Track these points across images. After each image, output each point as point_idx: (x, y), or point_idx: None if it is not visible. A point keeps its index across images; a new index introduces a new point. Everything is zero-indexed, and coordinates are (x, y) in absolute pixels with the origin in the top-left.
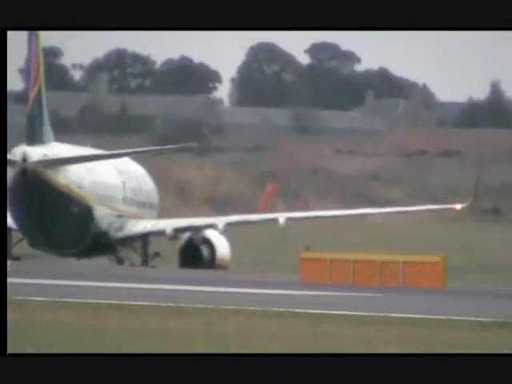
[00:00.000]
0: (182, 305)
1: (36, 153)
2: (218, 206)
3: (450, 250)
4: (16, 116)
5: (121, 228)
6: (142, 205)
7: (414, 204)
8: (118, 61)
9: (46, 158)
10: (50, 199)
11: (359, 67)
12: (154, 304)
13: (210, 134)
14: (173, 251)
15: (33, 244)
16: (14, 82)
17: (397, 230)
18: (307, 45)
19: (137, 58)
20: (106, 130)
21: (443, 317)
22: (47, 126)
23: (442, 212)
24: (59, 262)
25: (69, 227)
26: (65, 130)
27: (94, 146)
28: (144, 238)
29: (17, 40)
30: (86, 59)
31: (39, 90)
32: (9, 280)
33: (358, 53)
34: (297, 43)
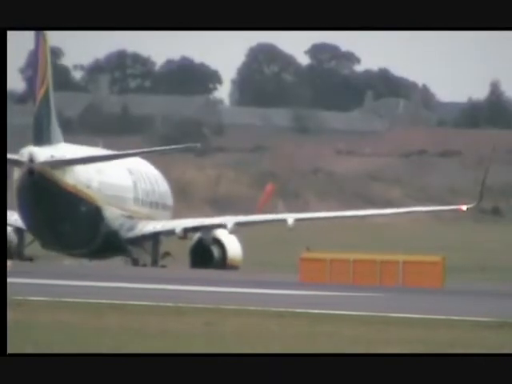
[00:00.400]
0: (182, 305)
1: (43, 153)
2: (219, 206)
3: (449, 250)
4: (16, 116)
5: (131, 228)
6: (155, 205)
7: (413, 204)
8: (119, 62)
9: (53, 159)
10: (58, 199)
11: (359, 68)
12: (154, 304)
13: (211, 134)
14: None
15: (43, 244)
16: (14, 82)
17: (397, 230)
18: (307, 45)
19: (137, 59)
20: (106, 130)
21: (443, 317)
22: (55, 127)
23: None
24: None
25: (77, 227)
26: (66, 131)
27: (97, 146)
28: (154, 238)
29: (17, 40)
30: (87, 60)
31: (47, 91)
32: (9, 280)
33: (358, 53)
34: (297, 44)
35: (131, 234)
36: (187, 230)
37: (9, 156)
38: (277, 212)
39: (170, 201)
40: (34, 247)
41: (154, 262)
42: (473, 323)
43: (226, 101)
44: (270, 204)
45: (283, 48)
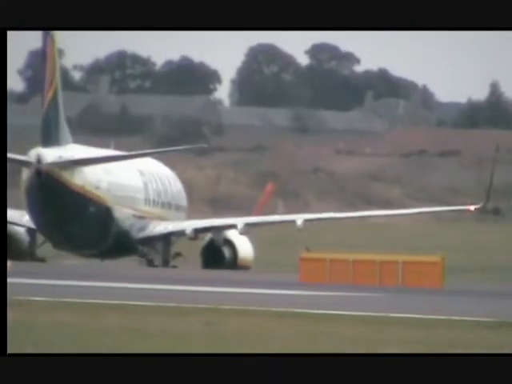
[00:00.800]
0: (182, 305)
1: (51, 154)
2: (218, 205)
3: (450, 250)
4: (16, 116)
5: (142, 229)
6: (168, 206)
7: (413, 203)
8: (119, 62)
9: (61, 160)
10: (66, 200)
11: (359, 68)
12: (154, 304)
13: (210, 134)
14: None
15: (54, 245)
16: (14, 82)
17: (397, 230)
18: (307, 45)
19: (137, 59)
20: (106, 130)
21: (443, 317)
22: (64, 128)
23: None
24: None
25: (87, 228)
26: None
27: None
28: (165, 238)
29: (17, 40)
30: (87, 60)
31: (55, 93)
32: (9, 280)
33: (358, 53)
34: (296, 44)
35: (142, 235)
36: (198, 231)
37: (17, 157)
38: (277, 212)
39: (183, 202)
40: (45, 247)
41: (165, 263)
42: (473, 323)
43: (226, 101)
44: (269, 204)
45: (283, 48)
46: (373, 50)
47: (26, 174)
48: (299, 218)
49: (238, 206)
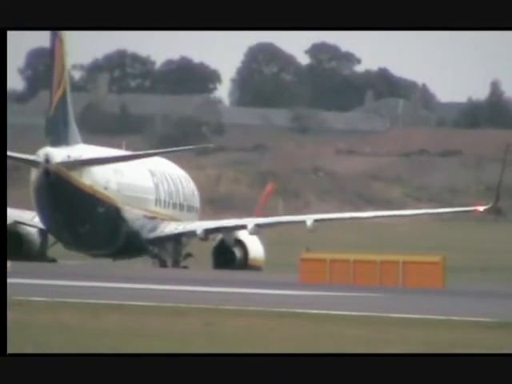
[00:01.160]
0: (182, 305)
1: (59, 154)
2: (218, 205)
3: (450, 250)
4: (16, 116)
5: (153, 229)
6: (179, 207)
7: (413, 203)
8: (118, 61)
9: (69, 160)
10: (74, 200)
11: (359, 68)
12: (154, 304)
13: (210, 134)
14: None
15: (65, 245)
16: (14, 82)
17: (397, 230)
18: (307, 45)
19: (137, 59)
20: (106, 129)
21: (443, 317)
22: (73, 128)
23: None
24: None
25: (96, 228)
26: None
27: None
28: (176, 239)
29: (17, 40)
30: (86, 59)
31: (64, 93)
32: (9, 280)
33: (358, 53)
34: (296, 44)
35: (152, 235)
36: (208, 232)
37: (26, 156)
38: (277, 212)
39: (196, 202)
40: (56, 248)
41: (176, 263)
42: (473, 323)
43: (226, 100)
44: (269, 204)
45: (283, 48)
46: (373, 49)
47: (34, 173)
48: (309, 219)
49: (238, 206)
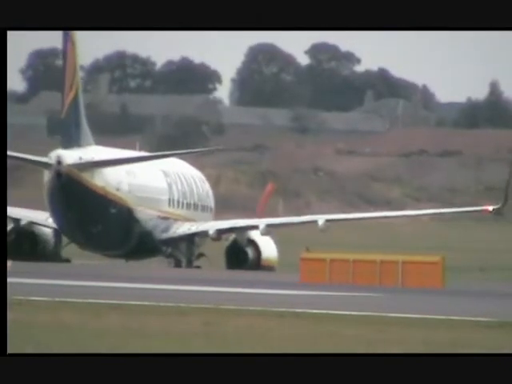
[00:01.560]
0: (182, 305)
1: (71, 156)
2: (218, 205)
3: (449, 250)
4: (16, 116)
5: (166, 230)
6: (194, 207)
7: (413, 203)
8: (119, 62)
9: (81, 161)
10: (86, 201)
11: (359, 68)
12: (154, 304)
13: (210, 133)
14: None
15: (80, 246)
16: (14, 82)
17: (397, 230)
18: (307, 45)
19: (137, 59)
20: (106, 130)
21: (443, 317)
22: (85, 130)
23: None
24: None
25: (109, 229)
26: None
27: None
28: (189, 239)
29: (17, 40)
30: (87, 60)
31: (76, 95)
32: (9, 280)
33: (358, 53)
34: (296, 44)
35: (165, 236)
36: (221, 232)
37: (37, 158)
38: (277, 212)
39: (210, 202)
40: (70, 248)
41: (189, 263)
42: (473, 323)
43: (226, 100)
44: (268, 204)
45: (283, 48)
46: (373, 49)
47: (46, 175)
48: (320, 219)
49: (238, 206)
